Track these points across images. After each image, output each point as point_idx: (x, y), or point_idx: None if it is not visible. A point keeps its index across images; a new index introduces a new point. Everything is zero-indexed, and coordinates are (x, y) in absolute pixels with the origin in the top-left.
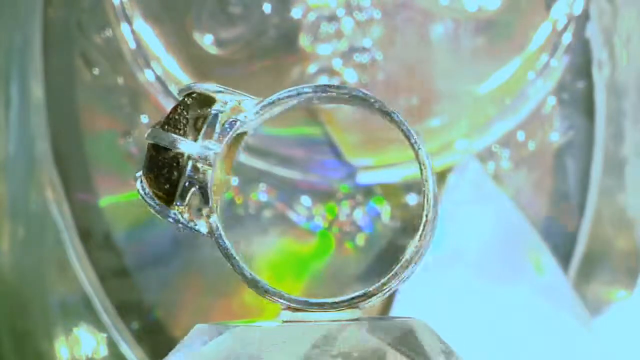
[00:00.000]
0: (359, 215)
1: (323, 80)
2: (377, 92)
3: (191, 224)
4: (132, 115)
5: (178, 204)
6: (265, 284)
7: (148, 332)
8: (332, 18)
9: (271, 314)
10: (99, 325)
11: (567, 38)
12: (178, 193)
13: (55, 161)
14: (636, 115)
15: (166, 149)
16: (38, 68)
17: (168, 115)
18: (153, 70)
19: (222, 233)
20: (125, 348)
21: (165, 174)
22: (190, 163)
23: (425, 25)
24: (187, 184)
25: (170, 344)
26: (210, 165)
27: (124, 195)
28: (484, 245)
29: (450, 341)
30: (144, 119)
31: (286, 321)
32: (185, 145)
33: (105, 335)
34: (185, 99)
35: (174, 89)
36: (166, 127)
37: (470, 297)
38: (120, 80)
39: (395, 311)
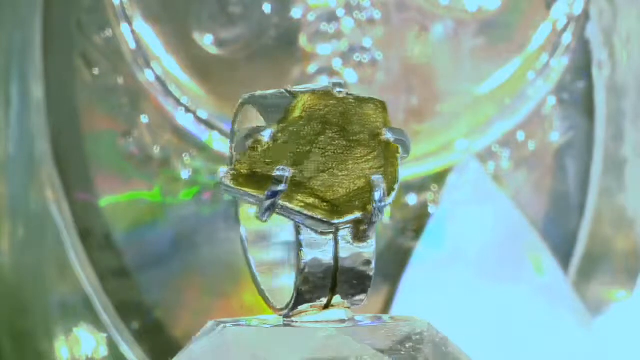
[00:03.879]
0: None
1: (323, 80)
2: (377, 92)
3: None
4: (132, 115)
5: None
6: None
7: (148, 332)
8: (332, 18)
9: (271, 314)
10: (99, 325)
11: (567, 38)
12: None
13: (55, 161)
14: (636, 115)
15: None
16: (38, 68)
17: None
18: (153, 70)
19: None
20: (125, 348)
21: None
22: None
23: (425, 25)
24: None
25: (170, 344)
26: None
27: (124, 195)
28: (484, 245)
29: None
30: (144, 119)
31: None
32: None
33: (105, 335)
34: None
35: (174, 89)
36: None
37: (470, 296)
38: (120, 80)
39: (395, 311)
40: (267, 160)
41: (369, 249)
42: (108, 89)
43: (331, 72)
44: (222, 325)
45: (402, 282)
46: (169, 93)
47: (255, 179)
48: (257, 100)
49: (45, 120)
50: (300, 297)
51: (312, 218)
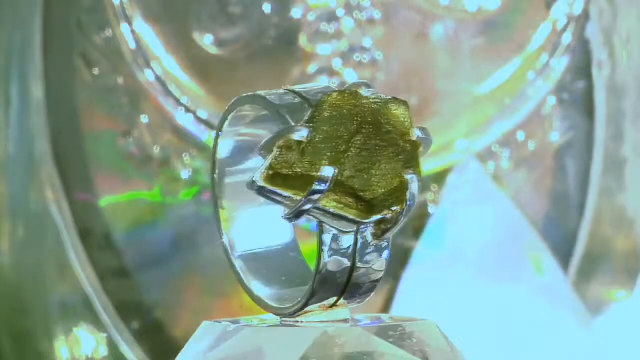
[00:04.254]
0: None
1: (323, 80)
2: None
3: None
4: (132, 115)
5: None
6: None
7: (148, 332)
8: (332, 18)
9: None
10: (99, 325)
11: (567, 38)
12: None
13: (55, 161)
14: (636, 115)
15: None
16: (38, 68)
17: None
18: (153, 70)
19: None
20: (125, 348)
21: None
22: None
23: (425, 25)
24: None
25: (170, 344)
26: None
27: (124, 195)
28: (484, 245)
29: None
30: (144, 119)
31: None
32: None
33: (105, 335)
34: None
35: (174, 89)
36: None
37: (470, 296)
38: (120, 80)
39: (395, 310)
40: (307, 160)
41: (384, 252)
42: (108, 89)
43: (331, 72)
44: (221, 324)
45: (402, 282)
46: (169, 93)
47: (294, 179)
48: (262, 100)
49: (45, 120)
50: (314, 297)
51: (344, 218)
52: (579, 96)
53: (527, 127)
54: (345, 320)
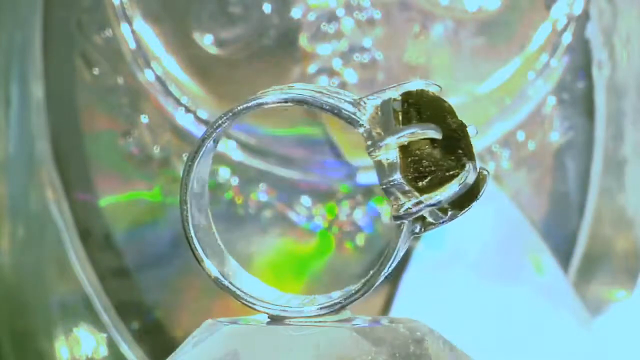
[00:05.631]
0: (359, 215)
1: (323, 80)
2: None
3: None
4: (132, 115)
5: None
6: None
7: (148, 332)
8: (332, 18)
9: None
10: (99, 325)
11: (567, 38)
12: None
13: (55, 161)
14: (636, 115)
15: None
16: (38, 68)
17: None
18: (153, 70)
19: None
20: (125, 348)
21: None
22: None
23: (425, 25)
24: None
25: (170, 344)
26: None
27: (124, 195)
28: (484, 245)
29: (450, 341)
30: (144, 119)
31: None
32: None
33: (105, 335)
34: None
35: (174, 89)
36: None
37: (471, 296)
38: (120, 80)
39: (395, 311)
40: (448, 156)
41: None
42: (108, 89)
43: (331, 72)
44: (220, 324)
45: (402, 282)
46: (169, 93)
47: (434, 181)
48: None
49: (45, 120)
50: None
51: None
52: (579, 96)
53: (527, 127)
54: (345, 320)
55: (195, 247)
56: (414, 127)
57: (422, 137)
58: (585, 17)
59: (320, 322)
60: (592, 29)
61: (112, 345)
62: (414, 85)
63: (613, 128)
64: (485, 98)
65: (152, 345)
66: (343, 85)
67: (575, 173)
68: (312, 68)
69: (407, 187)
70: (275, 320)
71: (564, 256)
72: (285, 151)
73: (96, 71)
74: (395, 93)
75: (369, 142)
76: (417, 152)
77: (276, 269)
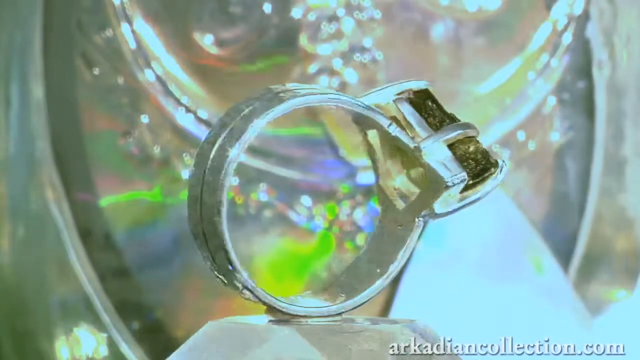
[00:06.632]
0: (359, 215)
1: (323, 80)
2: None
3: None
4: (132, 115)
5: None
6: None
7: (148, 332)
8: (332, 18)
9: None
10: (99, 325)
11: (567, 38)
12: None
13: (55, 161)
14: (636, 115)
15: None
16: (38, 68)
17: None
18: (153, 70)
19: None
20: (125, 348)
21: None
22: None
23: (425, 25)
24: None
25: (170, 344)
26: None
27: (124, 195)
28: (484, 245)
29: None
30: (144, 119)
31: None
32: None
33: (105, 335)
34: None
35: (174, 89)
36: None
37: (471, 296)
38: (120, 80)
39: (395, 311)
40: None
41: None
42: (108, 89)
43: (331, 72)
44: (221, 324)
45: (402, 282)
46: (169, 93)
47: (477, 178)
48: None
49: (45, 120)
50: None
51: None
52: (579, 96)
53: (527, 127)
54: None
55: (233, 259)
56: (458, 127)
57: (464, 136)
58: (585, 17)
59: (320, 321)
60: (592, 29)
61: (112, 345)
62: (416, 84)
63: (613, 128)
64: (486, 98)
65: (152, 345)
66: (343, 85)
67: (576, 173)
68: (312, 68)
69: (469, 182)
70: (277, 320)
71: (564, 256)
72: (285, 151)
73: (96, 71)
74: (397, 89)
75: (420, 144)
76: (463, 150)
77: (276, 269)
